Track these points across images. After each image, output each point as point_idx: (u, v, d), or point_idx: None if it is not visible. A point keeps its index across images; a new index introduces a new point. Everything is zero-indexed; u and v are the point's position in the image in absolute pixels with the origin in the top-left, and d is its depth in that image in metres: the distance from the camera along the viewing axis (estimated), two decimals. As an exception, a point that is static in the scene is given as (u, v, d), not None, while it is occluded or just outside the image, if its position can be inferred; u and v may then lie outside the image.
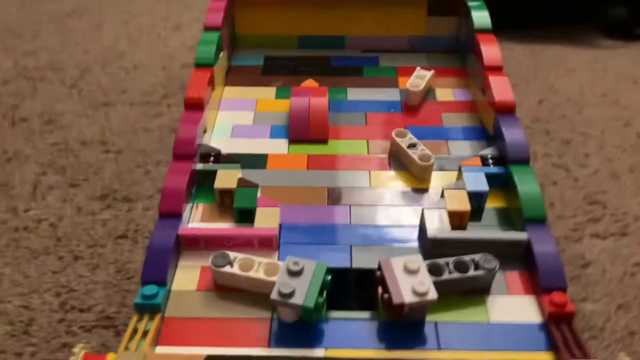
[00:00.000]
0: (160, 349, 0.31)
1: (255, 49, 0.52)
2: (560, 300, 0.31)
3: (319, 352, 0.30)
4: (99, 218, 0.62)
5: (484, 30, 0.46)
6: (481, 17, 0.47)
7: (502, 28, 1.14)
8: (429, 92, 0.47)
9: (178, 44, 1.12)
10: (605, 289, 0.53)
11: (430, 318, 0.32)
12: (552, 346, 0.30)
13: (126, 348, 0.30)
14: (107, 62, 1.01)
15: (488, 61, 0.43)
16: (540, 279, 0.32)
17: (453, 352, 0.30)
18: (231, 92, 0.47)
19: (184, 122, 0.39)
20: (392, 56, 0.51)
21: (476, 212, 0.37)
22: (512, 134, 0.39)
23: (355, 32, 0.51)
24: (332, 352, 0.30)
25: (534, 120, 0.82)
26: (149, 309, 0.31)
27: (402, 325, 0.31)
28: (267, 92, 0.47)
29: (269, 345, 0.30)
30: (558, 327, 0.31)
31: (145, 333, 0.31)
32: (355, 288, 0.34)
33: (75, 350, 0.32)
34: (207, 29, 0.46)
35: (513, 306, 0.32)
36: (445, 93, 0.47)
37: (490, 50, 0.44)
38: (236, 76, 0.48)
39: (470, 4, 0.48)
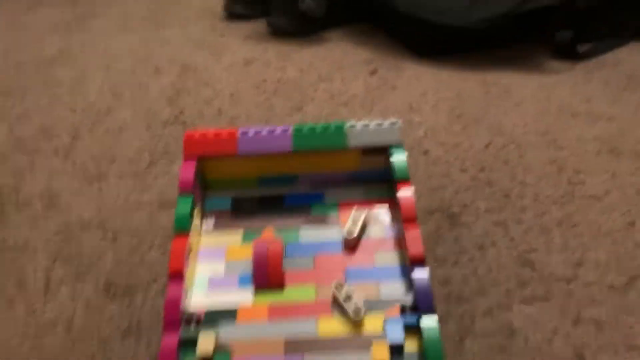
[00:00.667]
0: None
1: (223, 190, 0.62)
2: None
3: None
4: (105, 315, 0.74)
5: (402, 179, 0.56)
6: (400, 166, 0.57)
7: (456, 54, 1.22)
8: (364, 229, 0.57)
9: (157, 94, 1.20)
10: (526, 357, 0.65)
11: None
12: None
13: None
14: (94, 124, 1.10)
15: (405, 213, 0.54)
16: None
17: None
18: (207, 241, 0.58)
19: (171, 293, 0.50)
20: (335, 191, 0.61)
21: (398, 355, 0.49)
22: (421, 287, 0.50)
23: (304, 171, 0.61)
24: None
25: (480, 170, 0.92)
26: None
27: None
28: (236, 237, 0.58)
29: None
30: None
31: None
32: None
33: None
34: (182, 193, 0.56)
35: None
36: (379, 229, 0.58)
37: (406, 202, 0.55)
38: (210, 221, 0.59)
39: (392, 149, 0.58)
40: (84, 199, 0.92)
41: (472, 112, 1.06)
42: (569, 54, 1.19)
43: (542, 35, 1.24)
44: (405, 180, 0.56)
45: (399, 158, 0.57)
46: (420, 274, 0.50)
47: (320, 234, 0.58)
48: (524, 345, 0.67)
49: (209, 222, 0.60)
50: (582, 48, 1.20)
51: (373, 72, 1.25)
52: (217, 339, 0.50)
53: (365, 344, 0.50)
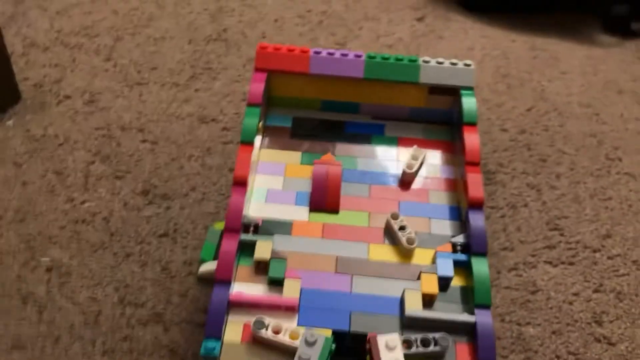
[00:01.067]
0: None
1: (285, 108, 0.62)
2: (489, 372, 0.46)
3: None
4: (143, 215, 0.75)
5: (469, 123, 0.57)
6: (470, 109, 0.57)
7: (505, 13, 1.20)
8: (420, 167, 0.58)
9: (200, 9, 1.17)
10: (546, 315, 0.68)
11: (401, 377, 0.46)
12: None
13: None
14: (136, 28, 1.08)
15: (469, 156, 0.55)
16: (478, 354, 0.47)
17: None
18: (266, 156, 0.58)
19: (234, 199, 0.51)
20: (395, 125, 0.61)
21: (443, 287, 0.51)
22: (476, 230, 0.51)
23: (368, 101, 0.61)
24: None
25: (520, 132, 0.93)
26: (210, 358, 0.46)
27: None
28: (295, 157, 0.59)
29: (291, 390, 0.45)
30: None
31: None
32: (351, 345, 0.48)
33: None
34: (250, 104, 0.57)
35: (459, 373, 0.47)
36: (434, 169, 0.59)
37: (472, 146, 0.55)
38: (270, 137, 0.60)
39: (463, 92, 0.58)
40: (124, 102, 0.92)
41: (517, 73, 1.05)
42: (622, 29, 1.17)
43: (596, 6, 1.21)
44: (473, 124, 0.56)
45: (469, 101, 0.57)
46: (478, 217, 0.52)
47: (378, 165, 0.59)
48: (546, 302, 0.69)
49: (269, 138, 0.60)
50: (636, 26, 1.19)
51: (420, 19, 1.23)
52: (273, 246, 0.52)
53: (413, 274, 0.51)
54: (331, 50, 0.59)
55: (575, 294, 0.70)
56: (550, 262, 0.74)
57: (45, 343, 0.62)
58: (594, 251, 0.76)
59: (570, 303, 0.69)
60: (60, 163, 0.81)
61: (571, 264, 0.74)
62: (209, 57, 1.04)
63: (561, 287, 0.71)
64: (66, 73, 0.96)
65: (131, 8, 1.17)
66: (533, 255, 0.74)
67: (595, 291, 0.71)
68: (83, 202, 0.76)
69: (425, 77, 0.59)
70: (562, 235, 0.77)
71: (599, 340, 0.66)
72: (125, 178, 0.80)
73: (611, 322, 0.68)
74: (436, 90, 0.60)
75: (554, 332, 0.66)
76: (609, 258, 0.75)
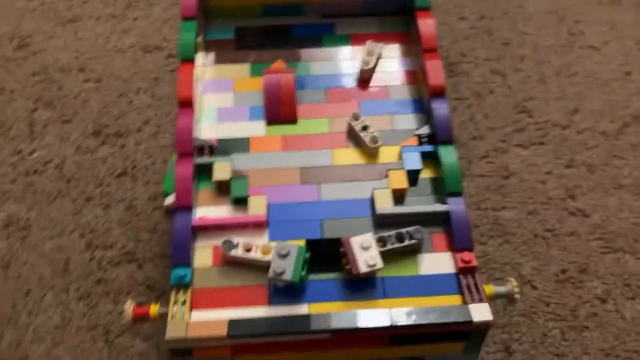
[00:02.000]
0: (195, 314, 0.44)
1: (224, 19, 0.57)
2: (468, 259, 0.45)
3: (304, 307, 0.44)
4: (98, 156, 0.71)
5: (423, 8, 0.53)
6: None
7: None
8: (377, 63, 0.55)
9: None
10: (520, 197, 0.68)
11: (378, 275, 0.45)
12: (460, 291, 0.44)
13: (172, 317, 0.43)
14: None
15: (425, 43, 0.52)
16: (454, 241, 0.46)
17: (395, 300, 0.44)
18: (212, 72, 0.54)
19: (182, 121, 0.48)
20: (346, 22, 0.57)
21: (412, 182, 0.49)
22: (440, 118, 0.49)
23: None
24: (314, 306, 0.44)
25: (479, 18, 0.89)
26: (182, 286, 0.44)
27: (359, 282, 0.45)
28: (242, 70, 0.55)
29: (269, 304, 0.44)
30: (465, 277, 0.45)
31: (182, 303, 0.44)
32: (326, 251, 0.46)
33: (126, 306, 0.45)
34: (185, 18, 0.52)
35: (436, 261, 0.45)
36: (392, 63, 0.56)
37: (427, 32, 0.52)
38: (213, 52, 0.55)
39: (414, -24, 0.54)
40: (59, 42, 0.86)
41: (470, -42, 1.00)
42: None
43: None
44: (426, 9, 0.53)
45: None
46: (441, 104, 0.49)
47: (332, 67, 0.55)
48: (519, 185, 0.69)
49: (212, 54, 0.56)
50: None
51: None
52: (232, 166, 0.49)
53: (381, 173, 0.49)
54: (264, -54, 0.54)
55: (548, 173, 0.70)
56: (521, 145, 0.73)
57: (16, 298, 0.60)
58: (563, 128, 0.75)
59: (544, 182, 0.69)
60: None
61: (542, 143, 0.73)
62: (144, -18, 0.96)
63: (534, 167, 0.70)
64: (-10, 19, 0.89)
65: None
66: (503, 141, 0.73)
67: (567, 167, 0.70)
68: (31, 153, 0.72)
69: None
70: (530, 117, 0.76)
71: (573, 214, 0.66)
72: (72, 121, 0.75)
73: (584, 194, 0.68)
74: (386, -24, 0.55)
75: (529, 213, 0.66)
76: (578, 133, 0.74)
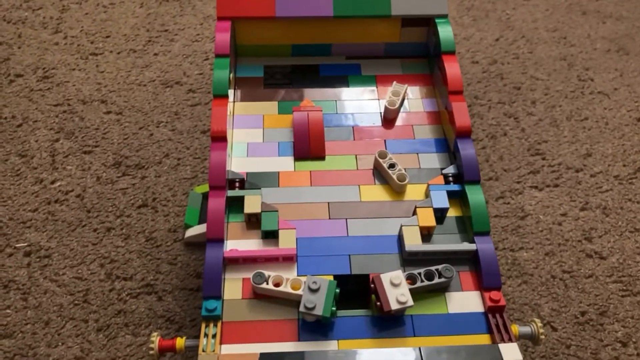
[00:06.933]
0: (225, 347, 0.44)
1: (254, 57, 0.59)
2: (496, 297, 0.45)
3: (333, 343, 0.44)
4: (118, 187, 0.72)
5: (448, 52, 0.55)
6: (447, 38, 0.55)
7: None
8: (402, 103, 0.57)
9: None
10: (537, 238, 0.68)
11: (407, 313, 0.45)
12: (489, 330, 0.45)
13: (203, 350, 0.43)
14: (84, -1, 1.02)
15: (451, 86, 0.53)
16: (483, 280, 0.46)
17: (424, 338, 0.44)
18: (241, 109, 0.56)
19: (215, 156, 0.49)
20: (371, 63, 0.59)
21: (440, 219, 0.50)
22: (467, 158, 0.50)
23: (340, 40, 0.59)
24: (343, 343, 0.44)
25: (491, 62, 0.92)
26: (212, 318, 0.44)
27: (389, 320, 0.45)
28: (271, 107, 0.56)
29: (298, 340, 0.44)
30: (494, 316, 0.45)
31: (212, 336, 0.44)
32: (354, 287, 0.47)
33: (152, 338, 0.45)
34: (219, 55, 0.54)
35: (464, 300, 0.46)
36: (416, 104, 0.57)
37: (453, 74, 0.54)
38: (243, 90, 0.57)
39: (437, 21, 0.56)
40: (81, 74, 0.87)
41: (481, 5, 1.03)
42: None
43: None
44: (451, 52, 0.54)
45: (445, 29, 0.55)
46: (467, 145, 0.50)
47: (358, 106, 0.57)
48: (536, 226, 0.69)
49: (242, 91, 0.58)
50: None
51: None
52: (262, 199, 0.50)
53: (408, 210, 0.50)
54: (296, -10, 0.56)
55: (563, 214, 0.71)
56: (535, 187, 0.74)
57: (35, 328, 0.59)
58: (577, 171, 0.76)
59: (560, 224, 0.70)
60: (22, 145, 0.77)
61: (556, 185, 0.74)
62: (164, 19, 0.99)
63: (549, 209, 0.71)
64: (13, 50, 0.91)
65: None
66: (518, 182, 0.74)
67: (582, 209, 0.71)
68: (53, 182, 0.73)
69: (397, 9, 0.57)
70: (544, 159, 0.77)
71: (590, 256, 0.67)
72: (94, 152, 0.76)
73: (600, 237, 0.69)
74: (409, 22, 0.58)
75: (547, 254, 0.67)
76: (591, 176, 0.75)
